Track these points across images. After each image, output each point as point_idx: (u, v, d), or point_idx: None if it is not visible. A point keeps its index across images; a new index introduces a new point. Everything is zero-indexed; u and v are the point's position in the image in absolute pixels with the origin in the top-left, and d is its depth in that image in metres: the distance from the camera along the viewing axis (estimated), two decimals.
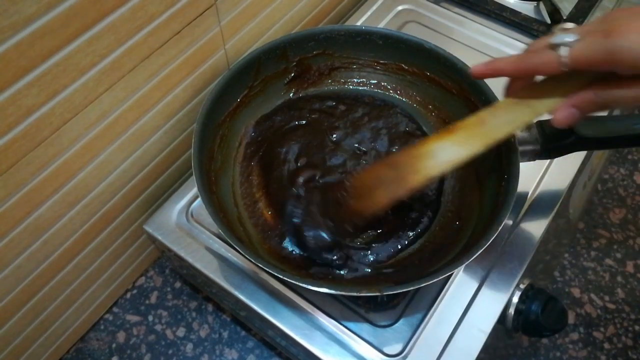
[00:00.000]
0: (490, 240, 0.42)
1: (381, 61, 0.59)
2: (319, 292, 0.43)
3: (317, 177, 0.53)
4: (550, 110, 0.38)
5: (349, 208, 0.47)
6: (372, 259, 0.49)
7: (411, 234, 0.51)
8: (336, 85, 0.60)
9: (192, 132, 0.48)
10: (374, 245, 0.50)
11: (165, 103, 0.51)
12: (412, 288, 0.42)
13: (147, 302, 0.61)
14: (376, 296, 0.49)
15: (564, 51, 0.34)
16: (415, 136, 0.56)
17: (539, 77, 0.40)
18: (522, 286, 0.51)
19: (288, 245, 0.50)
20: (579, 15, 0.70)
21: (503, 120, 0.40)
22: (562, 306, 0.51)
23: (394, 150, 0.55)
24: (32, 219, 0.43)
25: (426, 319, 0.48)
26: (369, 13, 0.70)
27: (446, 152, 0.41)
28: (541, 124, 0.49)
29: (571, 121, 0.37)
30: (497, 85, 0.51)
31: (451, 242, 0.49)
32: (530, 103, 0.39)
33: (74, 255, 0.51)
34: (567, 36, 0.34)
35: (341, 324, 0.48)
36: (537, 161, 0.50)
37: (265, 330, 0.53)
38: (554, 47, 0.35)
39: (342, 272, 0.48)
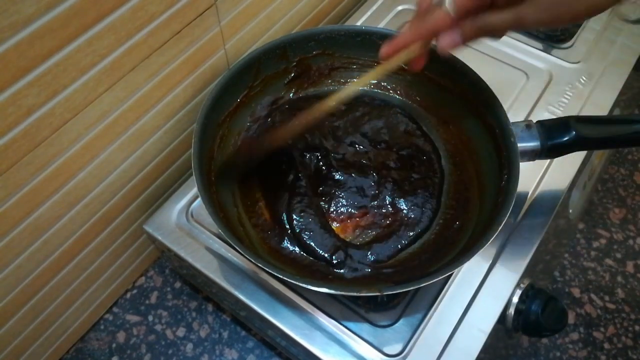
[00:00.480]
0: (490, 240, 0.42)
1: (381, 61, 0.58)
2: (319, 292, 0.43)
3: (317, 177, 0.53)
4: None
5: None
6: (372, 259, 0.49)
7: (411, 234, 0.51)
8: (336, 85, 0.60)
9: (192, 132, 0.48)
10: (374, 245, 0.50)
11: (165, 103, 0.51)
12: (412, 288, 0.42)
13: (147, 302, 0.61)
14: (376, 296, 0.49)
15: (448, 2, 0.40)
16: (415, 136, 0.56)
17: None
18: (522, 286, 0.51)
19: (288, 245, 0.50)
20: None
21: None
22: (562, 306, 0.51)
23: (393, 149, 0.55)
24: (32, 219, 0.43)
25: (426, 319, 0.48)
26: (369, 13, 0.70)
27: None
28: (541, 124, 0.49)
29: (453, 46, 0.41)
30: (497, 85, 0.51)
31: (451, 242, 0.49)
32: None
33: (74, 255, 0.51)
34: None
35: (341, 324, 0.48)
36: (537, 161, 0.50)
37: (265, 330, 0.53)
38: (438, 3, 0.41)
39: (342, 272, 0.48)
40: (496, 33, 0.40)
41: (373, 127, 0.57)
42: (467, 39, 0.40)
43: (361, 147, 0.55)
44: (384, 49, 0.45)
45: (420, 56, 0.44)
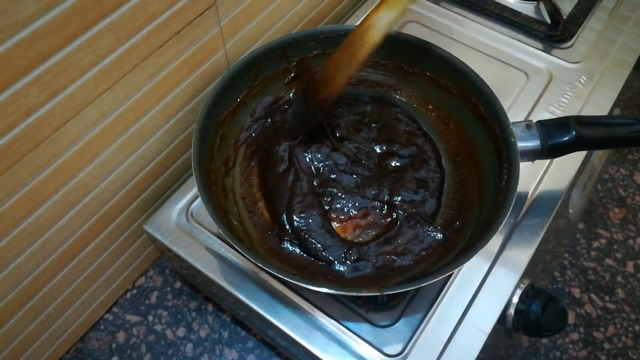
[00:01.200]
0: (490, 240, 0.42)
1: (381, 61, 0.59)
2: (319, 292, 0.43)
3: (317, 177, 0.53)
4: None
5: (318, 96, 0.51)
6: (373, 259, 0.49)
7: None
8: None
9: (192, 132, 0.48)
10: (374, 244, 0.50)
11: (165, 103, 0.51)
12: (412, 288, 0.42)
13: (147, 302, 0.61)
14: (376, 296, 0.49)
15: None
16: (415, 136, 0.56)
17: None
18: (522, 286, 0.51)
19: (288, 245, 0.50)
20: (579, 16, 0.70)
21: None
22: (562, 306, 0.51)
23: (394, 149, 0.55)
24: (32, 219, 0.43)
25: (426, 319, 0.48)
26: (368, 13, 0.70)
27: (382, 19, 0.48)
28: (541, 124, 0.49)
29: None
30: (497, 85, 0.51)
31: (451, 242, 0.49)
32: None
33: (74, 255, 0.51)
34: None
35: (341, 324, 0.48)
36: (537, 161, 0.50)
37: (265, 330, 0.53)
38: None
39: (342, 272, 0.48)
40: None
41: (373, 127, 0.57)
42: None
43: (362, 147, 0.55)
44: None
45: None
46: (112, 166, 0.49)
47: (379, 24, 0.48)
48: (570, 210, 0.65)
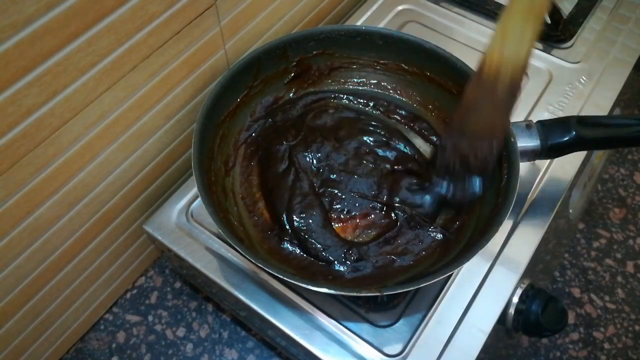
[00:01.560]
0: (490, 240, 0.42)
1: (381, 61, 0.59)
2: (319, 292, 0.43)
3: (318, 177, 0.53)
4: None
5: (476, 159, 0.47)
6: (373, 259, 0.49)
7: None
8: (336, 85, 0.60)
9: (192, 132, 0.48)
10: (374, 245, 0.50)
11: (165, 103, 0.51)
12: (412, 288, 0.42)
13: (147, 302, 0.61)
14: (376, 296, 0.49)
15: None
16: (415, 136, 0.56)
17: None
18: (522, 286, 0.51)
19: (288, 245, 0.50)
20: (579, 16, 0.70)
21: None
22: (562, 306, 0.51)
23: (394, 150, 0.55)
24: (32, 219, 0.43)
25: (426, 319, 0.48)
26: (369, 13, 0.70)
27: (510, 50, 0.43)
28: (541, 124, 0.49)
29: None
30: None
31: (451, 242, 0.49)
32: None
33: (74, 255, 0.51)
34: None
35: (341, 324, 0.48)
36: (537, 161, 0.50)
37: (265, 330, 0.53)
38: None
39: (342, 272, 0.48)
40: None
41: (373, 128, 0.57)
42: None
43: (362, 147, 0.55)
44: None
45: None
46: (112, 166, 0.49)
47: (510, 57, 0.42)
48: (570, 210, 0.65)
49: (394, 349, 0.47)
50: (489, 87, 0.44)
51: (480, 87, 0.45)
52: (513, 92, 0.44)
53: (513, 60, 0.43)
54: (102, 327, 0.60)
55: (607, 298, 0.70)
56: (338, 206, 0.52)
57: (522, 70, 0.43)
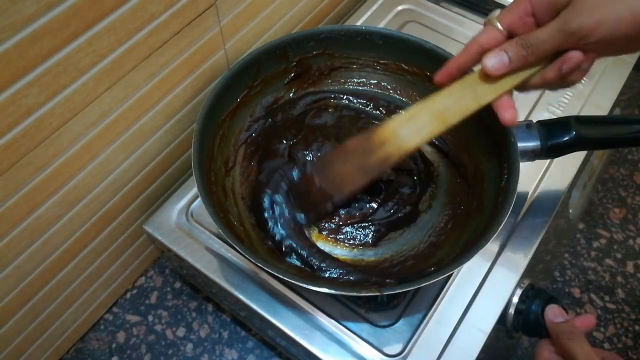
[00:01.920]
0: (490, 240, 0.42)
1: (381, 61, 0.59)
2: (319, 292, 0.43)
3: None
4: (492, 98, 0.41)
5: (325, 195, 0.49)
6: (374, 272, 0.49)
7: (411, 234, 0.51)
8: (336, 85, 0.60)
9: (192, 132, 0.48)
10: (373, 246, 0.50)
11: (165, 103, 0.51)
12: (412, 288, 0.42)
13: (147, 302, 0.61)
14: (376, 296, 0.49)
15: (494, 20, 0.40)
16: None
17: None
18: (522, 286, 0.51)
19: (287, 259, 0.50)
20: None
21: (451, 104, 0.43)
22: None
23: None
24: (32, 219, 0.43)
25: (426, 319, 0.48)
26: (369, 13, 0.70)
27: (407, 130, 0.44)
28: (541, 124, 0.49)
29: (500, 66, 0.39)
30: None
31: (451, 242, 0.49)
32: (476, 89, 0.42)
33: (74, 255, 0.51)
34: (495, 12, 0.41)
35: (341, 324, 0.48)
36: (537, 161, 0.50)
37: (265, 330, 0.53)
38: (490, 22, 0.41)
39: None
40: (542, 53, 0.38)
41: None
42: (514, 59, 0.39)
43: None
44: (438, 76, 0.43)
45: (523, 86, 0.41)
46: (112, 166, 0.49)
47: (403, 137, 0.44)
48: (570, 210, 0.65)
49: (394, 349, 0.47)
50: (367, 150, 0.45)
51: (362, 144, 0.46)
52: (381, 165, 0.45)
53: (400, 143, 0.44)
54: (102, 327, 0.60)
55: (607, 298, 0.70)
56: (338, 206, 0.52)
57: (398, 154, 0.45)
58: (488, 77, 0.40)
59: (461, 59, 0.42)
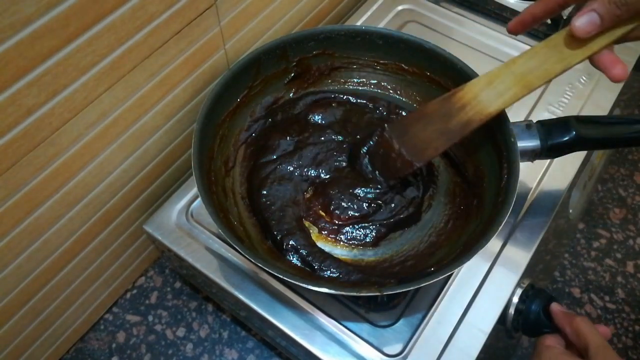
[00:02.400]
0: (490, 240, 0.42)
1: (381, 61, 0.59)
2: (319, 292, 0.43)
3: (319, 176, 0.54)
4: (580, 59, 0.39)
5: (404, 161, 0.47)
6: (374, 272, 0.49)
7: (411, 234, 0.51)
8: (336, 85, 0.60)
9: (192, 132, 0.48)
10: (373, 245, 0.50)
11: (165, 103, 0.51)
12: (412, 288, 0.42)
13: (147, 302, 0.61)
14: (376, 296, 0.49)
15: None
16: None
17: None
18: (522, 286, 0.51)
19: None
20: None
21: (535, 67, 0.41)
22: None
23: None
24: (32, 219, 0.43)
25: (426, 319, 0.48)
26: (369, 13, 0.70)
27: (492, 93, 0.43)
28: (541, 123, 0.49)
29: (590, 27, 0.36)
30: None
31: (452, 241, 0.49)
32: (562, 51, 0.40)
33: (74, 255, 0.51)
34: None
35: (341, 324, 0.48)
36: (537, 161, 0.50)
37: (265, 330, 0.53)
38: None
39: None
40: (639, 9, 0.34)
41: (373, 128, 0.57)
42: (606, 19, 0.35)
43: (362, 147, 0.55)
44: (511, 25, 0.41)
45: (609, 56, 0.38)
46: (112, 166, 0.49)
47: (487, 100, 0.42)
48: (570, 210, 0.65)
49: (394, 349, 0.47)
50: (447, 113, 0.44)
51: (441, 108, 0.45)
52: (463, 130, 0.44)
53: (481, 107, 0.43)
54: (102, 327, 0.60)
55: (607, 298, 0.70)
56: (338, 205, 0.52)
57: (480, 119, 0.44)
58: (575, 38, 0.38)
59: (537, 9, 0.39)
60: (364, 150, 0.51)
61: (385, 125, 0.50)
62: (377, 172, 0.50)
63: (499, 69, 0.43)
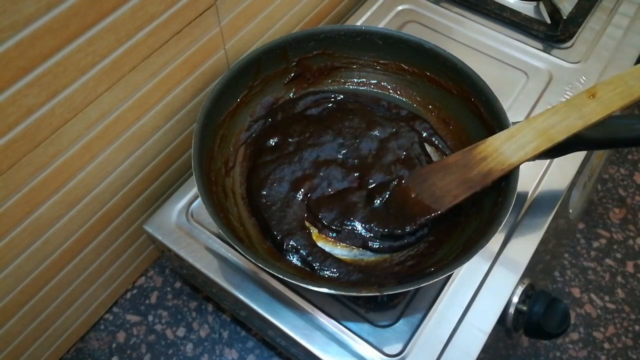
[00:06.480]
0: (490, 240, 0.42)
1: (381, 61, 0.59)
2: (319, 292, 0.43)
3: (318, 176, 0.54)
4: (600, 118, 0.42)
5: (423, 206, 0.48)
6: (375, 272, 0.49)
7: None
8: (336, 85, 0.60)
9: (192, 132, 0.48)
10: (373, 245, 0.50)
11: (165, 103, 0.51)
12: (412, 288, 0.42)
13: (147, 302, 0.61)
14: (376, 296, 0.49)
15: None
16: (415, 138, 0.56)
17: None
18: (522, 286, 0.51)
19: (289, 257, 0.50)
20: (579, 16, 0.70)
21: (557, 123, 0.44)
22: (565, 308, 0.50)
23: (393, 151, 0.55)
24: (32, 219, 0.43)
25: (426, 319, 0.48)
26: (369, 13, 0.70)
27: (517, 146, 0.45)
28: None
29: None
30: (497, 85, 0.51)
31: (450, 242, 0.49)
32: (582, 109, 0.43)
33: (74, 255, 0.51)
34: None
35: (341, 324, 0.48)
36: (537, 161, 0.50)
37: (265, 330, 0.53)
38: None
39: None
40: None
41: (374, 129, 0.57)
42: None
43: (362, 147, 0.55)
44: None
45: None
46: (112, 166, 0.49)
47: (510, 153, 0.44)
48: (570, 210, 0.65)
49: (394, 348, 0.47)
50: (467, 164, 0.46)
51: (462, 159, 0.47)
52: (484, 180, 0.46)
53: (502, 158, 0.45)
54: (102, 327, 0.60)
55: (607, 298, 0.70)
56: (338, 204, 0.52)
57: (502, 169, 0.45)
58: (594, 97, 0.42)
59: None
60: (380, 201, 0.51)
61: (404, 175, 0.52)
62: (391, 218, 0.50)
63: (521, 124, 0.45)
